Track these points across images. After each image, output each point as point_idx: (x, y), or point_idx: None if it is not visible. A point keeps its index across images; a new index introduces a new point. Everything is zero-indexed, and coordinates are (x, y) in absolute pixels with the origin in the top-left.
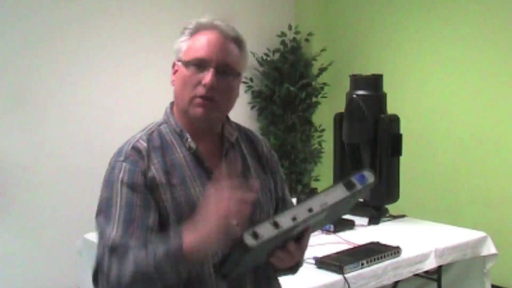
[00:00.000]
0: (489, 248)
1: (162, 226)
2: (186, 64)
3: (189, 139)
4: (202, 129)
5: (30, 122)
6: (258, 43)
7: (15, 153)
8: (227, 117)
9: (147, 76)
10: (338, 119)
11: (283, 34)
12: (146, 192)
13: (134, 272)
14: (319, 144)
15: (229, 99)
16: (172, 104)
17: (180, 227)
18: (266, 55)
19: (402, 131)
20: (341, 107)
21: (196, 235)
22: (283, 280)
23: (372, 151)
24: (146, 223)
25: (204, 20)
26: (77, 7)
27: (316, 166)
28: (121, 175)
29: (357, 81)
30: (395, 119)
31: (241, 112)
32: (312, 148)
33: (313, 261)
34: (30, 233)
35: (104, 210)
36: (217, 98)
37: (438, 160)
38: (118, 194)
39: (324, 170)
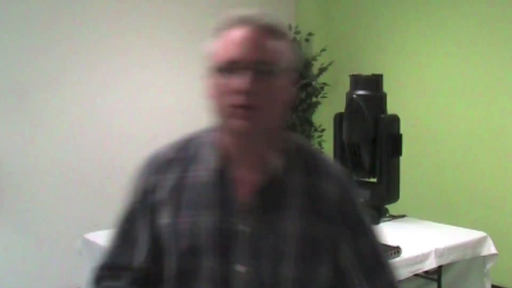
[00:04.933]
0: (489, 248)
1: (160, 251)
2: (215, 70)
3: (214, 157)
4: (245, 148)
5: (29, 123)
6: None
7: (15, 153)
8: (284, 140)
9: (148, 77)
10: (338, 119)
11: None
12: (140, 216)
13: None
14: (319, 144)
15: (274, 104)
16: None
17: (177, 257)
18: None
19: (402, 131)
20: (341, 107)
21: None
22: None
23: (372, 151)
24: (120, 259)
25: (233, 14)
26: (77, 8)
27: None
28: (132, 188)
29: (357, 81)
30: (395, 119)
31: None
32: None
33: None
34: (30, 233)
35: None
36: (258, 105)
37: (438, 160)
38: (122, 214)
39: None
